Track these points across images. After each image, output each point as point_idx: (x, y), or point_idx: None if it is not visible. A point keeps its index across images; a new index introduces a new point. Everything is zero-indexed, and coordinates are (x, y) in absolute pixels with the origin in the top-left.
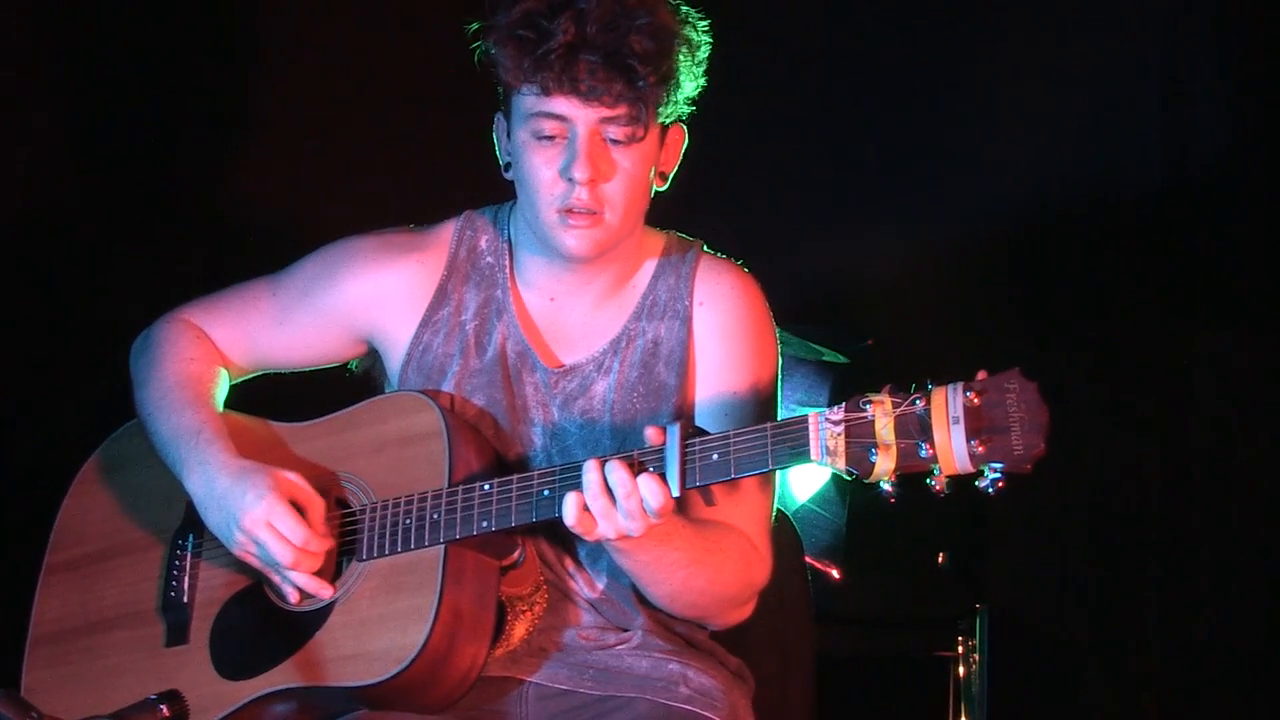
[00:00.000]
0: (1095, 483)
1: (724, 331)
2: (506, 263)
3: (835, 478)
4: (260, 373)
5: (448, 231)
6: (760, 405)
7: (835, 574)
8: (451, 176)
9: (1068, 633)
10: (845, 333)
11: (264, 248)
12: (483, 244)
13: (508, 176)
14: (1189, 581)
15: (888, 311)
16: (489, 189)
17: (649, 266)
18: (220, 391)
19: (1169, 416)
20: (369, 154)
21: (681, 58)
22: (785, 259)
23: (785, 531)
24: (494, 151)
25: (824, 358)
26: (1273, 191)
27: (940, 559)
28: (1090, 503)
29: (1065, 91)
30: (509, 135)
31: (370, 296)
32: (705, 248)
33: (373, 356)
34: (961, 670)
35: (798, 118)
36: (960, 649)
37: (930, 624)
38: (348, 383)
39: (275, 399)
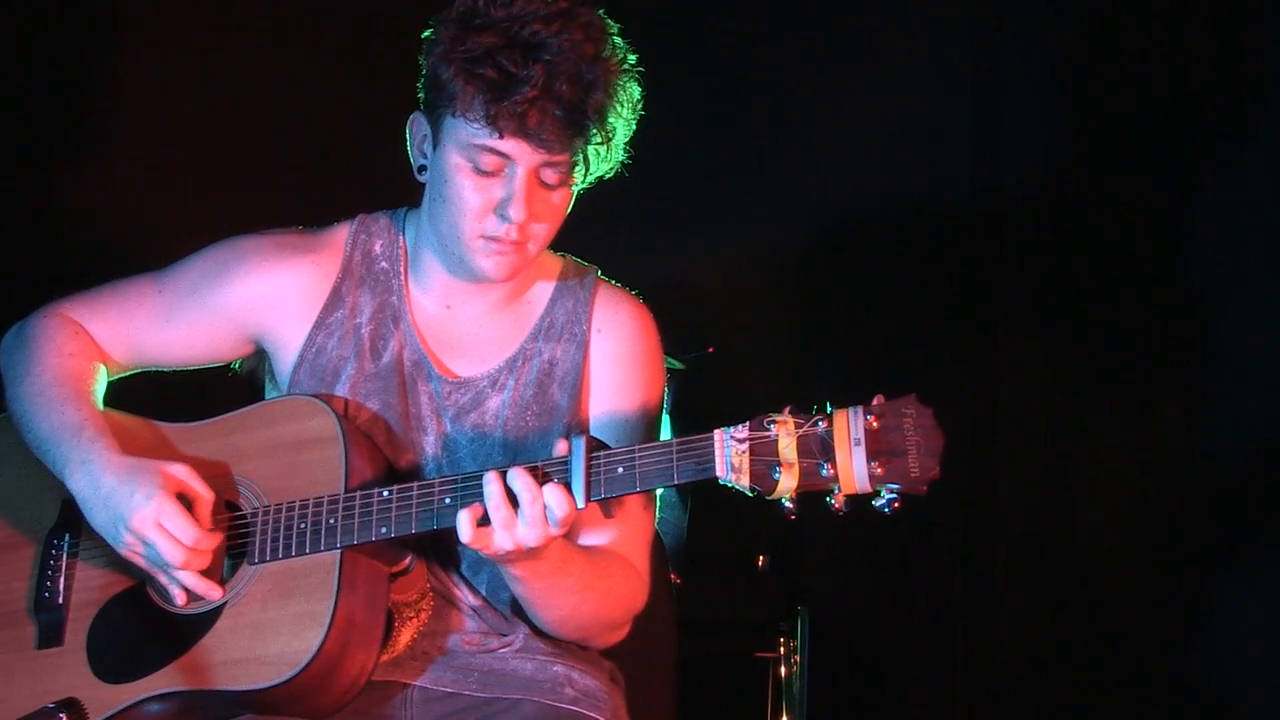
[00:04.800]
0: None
1: (620, 359)
2: (402, 269)
3: None
4: (139, 371)
5: (342, 234)
6: (647, 429)
7: (675, 579)
8: (309, 181)
9: (884, 634)
10: (686, 339)
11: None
12: (377, 248)
13: (421, 179)
14: (994, 582)
15: (724, 319)
16: (353, 193)
17: (545, 287)
18: (100, 388)
19: (975, 422)
20: (224, 155)
21: (624, 108)
22: (625, 266)
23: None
24: (404, 150)
25: None
26: (1079, 204)
27: (760, 562)
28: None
29: (881, 107)
30: (434, 146)
31: (262, 296)
32: (600, 274)
33: (259, 357)
34: (782, 670)
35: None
36: (781, 650)
37: (751, 626)
38: (228, 383)
39: (148, 399)
